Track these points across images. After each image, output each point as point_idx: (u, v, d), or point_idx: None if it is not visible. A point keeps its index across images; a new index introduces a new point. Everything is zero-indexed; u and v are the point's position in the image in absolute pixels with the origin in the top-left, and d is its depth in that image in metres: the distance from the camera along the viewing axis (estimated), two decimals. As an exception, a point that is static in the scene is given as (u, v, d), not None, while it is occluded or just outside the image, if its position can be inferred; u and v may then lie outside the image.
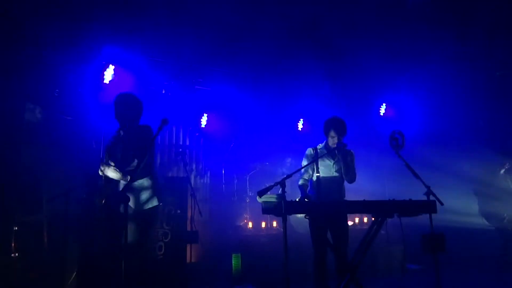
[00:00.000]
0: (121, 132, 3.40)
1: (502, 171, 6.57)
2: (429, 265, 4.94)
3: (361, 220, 6.58)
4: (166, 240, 4.68)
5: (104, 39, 5.51)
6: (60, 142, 5.37)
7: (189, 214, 5.24)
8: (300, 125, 7.67)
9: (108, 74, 5.65)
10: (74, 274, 4.43)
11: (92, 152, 5.73)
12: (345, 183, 3.93)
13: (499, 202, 6.37)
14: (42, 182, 5.09)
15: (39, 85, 5.40)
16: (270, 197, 3.20)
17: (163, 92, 6.44)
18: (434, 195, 3.62)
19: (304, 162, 3.90)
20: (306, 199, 3.60)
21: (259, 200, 3.20)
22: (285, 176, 3.20)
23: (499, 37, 5.49)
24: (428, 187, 3.66)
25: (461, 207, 6.31)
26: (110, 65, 5.66)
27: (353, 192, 4.12)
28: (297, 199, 3.57)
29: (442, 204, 3.55)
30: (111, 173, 3.26)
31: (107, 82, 5.64)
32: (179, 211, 4.79)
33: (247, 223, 6.09)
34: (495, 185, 6.50)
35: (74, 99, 5.66)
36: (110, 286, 3.62)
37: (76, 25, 5.18)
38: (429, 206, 3.28)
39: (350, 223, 5.52)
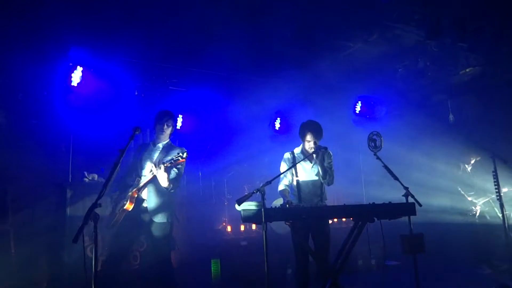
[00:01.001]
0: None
1: (468, 167, 6.74)
2: (407, 261, 5.01)
3: (340, 219, 6.59)
4: (142, 249, 4.51)
5: (70, 39, 5.24)
6: (26, 147, 5.10)
7: (165, 221, 5.07)
8: (277, 125, 7.62)
9: (76, 77, 5.39)
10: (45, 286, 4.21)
11: (61, 158, 5.48)
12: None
13: (466, 197, 6.55)
14: (8, 190, 4.82)
15: (2, 88, 5.10)
16: (249, 205, 3.11)
17: (136, 94, 6.21)
18: (412, 196, 3.64)
19: (283, 167, 3.83)
20: (288, 205, 3.53)
21: (238, 208, 3.11)
22: (264, 182, 3.12)
23: (469, 32, 5.59)
24: (406, 188, 3.67)
25: (437, 203, 6.45)
26: (78, 67, 5.40)
27: (331, 193, 4.10)
28: (280, 205, 3.50)
29: (420, 205, 3.58)
30: None
31: (75, 85, 5.37)
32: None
33: (226, 227, 5.98)
34: (463, 181, 6.67)
35: (40, 102, 5.38)
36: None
37: (40, 25, 4.88)
38: (408, 208, 3.28)
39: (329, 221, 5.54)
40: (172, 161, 3.44)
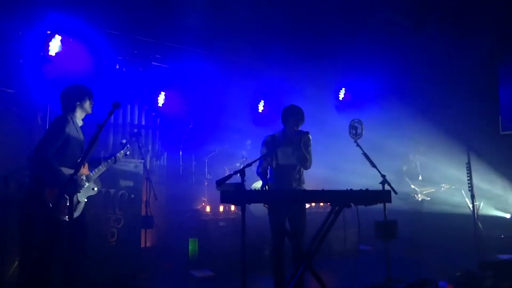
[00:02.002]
0: None
1: (415, 155, 6.88)
2: (379, 245, 5.16)
3: (317, 204, 6.69)
4: (119, 226, 4.48)
5: (49, 4, 4.99)
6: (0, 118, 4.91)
7: (143, 198, 5.03)
8: (260, 107, 7.58)
9: (54, 45, 5.17)
10: (16, 263, 4.12)
11: (37, 130, 5.30)
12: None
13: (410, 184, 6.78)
14: (-19, 163, 4.64)
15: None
16: (229, 186, 3.11)
17: (117, 67, 6.02)
18: (389, 184, 3.74)
19: (263, 150, 3.83)
20: (266, 187, 3.54)
21: (218, 189, 3.10)
22: (244, 164, 3.12)
23: (452, 25, 5.66)
24: (383, 176, 3.76)
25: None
26: (57, 35, 5.17)
27: (310, 178, 4.14)
28: (259, 187, 3.52)
29: (396, 193, 3.67)
30: None
31: (53, 54, 5.15)
32: (132, 196, 4.58)
33: (205, 207, 5.99)
34: (410, 168, 6.88)
35: (14, 70, 5.14)
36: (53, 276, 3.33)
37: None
38: (384, 195, 3.36)
39: (306, 205, 5.62)
40: None
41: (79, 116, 3.30)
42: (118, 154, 3.70)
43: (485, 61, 6.51)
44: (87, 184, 3.30)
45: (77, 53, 5.40)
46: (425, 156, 6.96)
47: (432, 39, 5.93)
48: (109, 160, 3.57)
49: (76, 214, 3.16)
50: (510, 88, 6.45)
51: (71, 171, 2.85)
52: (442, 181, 6.78)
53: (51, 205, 2.86)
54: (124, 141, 3.90)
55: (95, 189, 3.44)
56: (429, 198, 6.72)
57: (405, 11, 5.37)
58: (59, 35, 5.16)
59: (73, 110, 3.25)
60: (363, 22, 5.69)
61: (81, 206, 3.24)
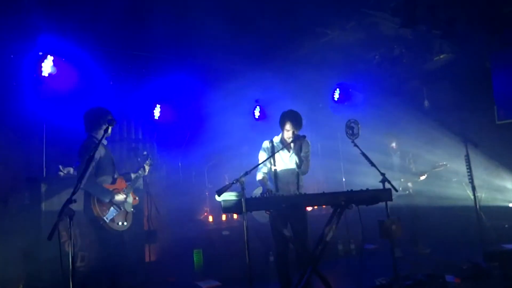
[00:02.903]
0: None
1: (393, 144, 6.53)
2: (384, 243, 5.15)
3: (319, 206, 6.69)
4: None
5: (39, 26, 5.00)
6: (-3, 140, 4.91)
7: (145, 213, 5.02)
8: (256, 113, 7.60)
9: (47, 66, 5.18)
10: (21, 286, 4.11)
11: (35, 151, 5.30)
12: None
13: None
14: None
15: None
16: (229, 195, 3.11)
17: (111, 83, 6.04)
18: (389, 182, 3.73)
19: (261, 155, 3.84)
20: (268, 193, 3.54)
21: (218, 199, 3.10)
22: (243, 173, 3.12)
23: (443, 20, 5.68)
24: (383, 174, 3.76)
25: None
26: (49, 56, 5.18)
27: (311, 181, 4.16)
28: (260, 194, 3.52)
29: (396, 190, 3.67)
30: None
31: (46, 75, 5.17)
32: (133, 211, 4.57)
33: (208, 217, 5.98)
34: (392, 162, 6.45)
35: (10, 92, 5.15)
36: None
37: (5, 11, 4.63)
38: (385, 194, 3.37)
39: (309, 208, 5.59)
40: None
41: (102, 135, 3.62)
42: (145, 165, 4.03)
43: (476, 51, 6.54)
44: (129, 196, 3.69)
45: (70, 73, 5.42)
46: (405, 144, 6.61)
47: (422, 32, 5.96)
48: (139, 171, 3.97)
49: (128, 224, 3.62)
50: (502, 77, 6.47)
51: (111, 186, 3.48)
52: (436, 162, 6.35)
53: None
54: (145, 152, 4.27)
55: (137, 198, 3.86)
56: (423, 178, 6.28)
57: (395, 8, 5.39)
58: (51, 55, 5.18)
59: (97, 130, 3.51)
60: (355, 19, 5.70)
61: (130, 217, 3.69)
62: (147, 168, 4.03)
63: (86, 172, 2.66)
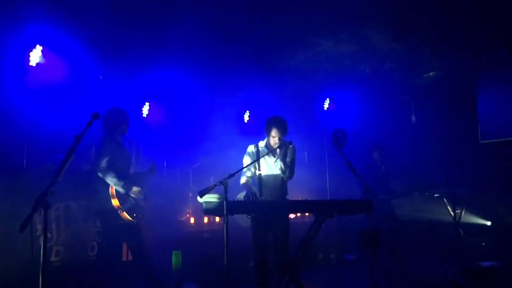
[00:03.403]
0: None
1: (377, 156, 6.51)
2: (364, 255, 5.17)
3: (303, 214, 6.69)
4: (99, 240, 4.37)
5: (29, 14, 4.92)
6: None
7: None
8: (246, 117, 7.60)
9: (35, 56, 5.08)
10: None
11: (16, 142, 5.17)
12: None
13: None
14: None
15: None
16: (211, 197, 3.09)
17: (101, 78, 5.95)
18: (372, 193, 3.76)
19: (246, 159, 3.83)
20: (252, 196, 3.52)
21: (200, 200, 3.07)
22: (227, 175, 3.10)
23: (432, 38, 5.80)
24: (366, 186, 3.79)
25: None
26: (38, 46, 5.08)
27: (295, 188, 4.16)
28: (244, 197, 3.49)
29: (378, 201, 3.70)
30: None
31: (34, 65, 5.07)
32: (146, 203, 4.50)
33: (189, 218, 5.92)
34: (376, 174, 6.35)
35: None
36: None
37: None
38: (366, 205, 3.39)
39: (291, 216, 5.58)
40: None
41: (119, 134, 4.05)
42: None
43: (464, 70, 6.69)
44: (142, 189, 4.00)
45: (58, 64, 5.32)
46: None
47: (413, 48, 6.06)
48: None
49: (141, 216, 3.98)
50: (487, 98, 6.62)
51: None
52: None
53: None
54: (149, 158, 4.51)
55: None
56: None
57: (387, 23, 5.48)
58: (40, 45, 5.09)
59: (115, 130, 3.95)
60: (347, 31, 5.77)
61: (143, 210, 4.03)
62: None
63: (65, 165, 2.60)
